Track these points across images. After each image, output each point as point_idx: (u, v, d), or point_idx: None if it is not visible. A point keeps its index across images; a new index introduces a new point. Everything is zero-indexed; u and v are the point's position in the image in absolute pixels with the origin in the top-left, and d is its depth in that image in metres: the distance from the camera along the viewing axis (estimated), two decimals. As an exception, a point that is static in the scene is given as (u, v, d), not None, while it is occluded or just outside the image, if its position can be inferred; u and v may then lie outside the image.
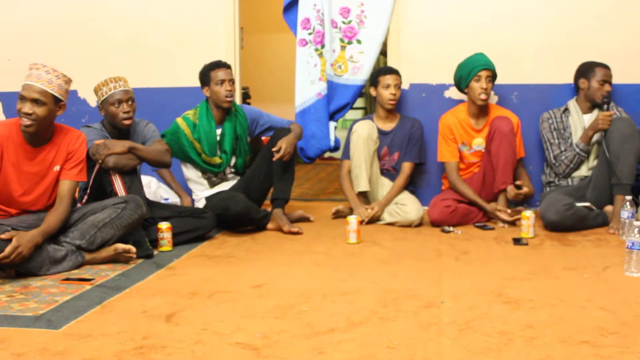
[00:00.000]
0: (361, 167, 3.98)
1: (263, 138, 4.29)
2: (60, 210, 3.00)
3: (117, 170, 3.29)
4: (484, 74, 3.87)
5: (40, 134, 2.97)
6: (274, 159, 3.78)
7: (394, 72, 4.13)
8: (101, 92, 3.38)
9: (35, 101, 2.86)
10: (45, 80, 2.88)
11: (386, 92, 4.06)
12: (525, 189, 3.87)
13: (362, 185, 4.00)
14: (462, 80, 3.96)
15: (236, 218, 3.72)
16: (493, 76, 3.93)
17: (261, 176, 3.94)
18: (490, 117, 3.99)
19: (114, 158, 3.26)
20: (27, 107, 2.86)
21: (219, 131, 3.92)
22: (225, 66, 3.90)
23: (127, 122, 3.38)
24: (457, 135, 4.03)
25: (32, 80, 2.87)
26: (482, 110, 3.98)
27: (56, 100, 2.93)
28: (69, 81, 3.00)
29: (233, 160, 4.00)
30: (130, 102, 3.39)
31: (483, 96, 3.88)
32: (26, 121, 2.87)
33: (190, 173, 4.00)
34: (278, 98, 7.60)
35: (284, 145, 3.78)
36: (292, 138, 3.86)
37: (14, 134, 2.95)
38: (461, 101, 4.15)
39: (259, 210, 3.81)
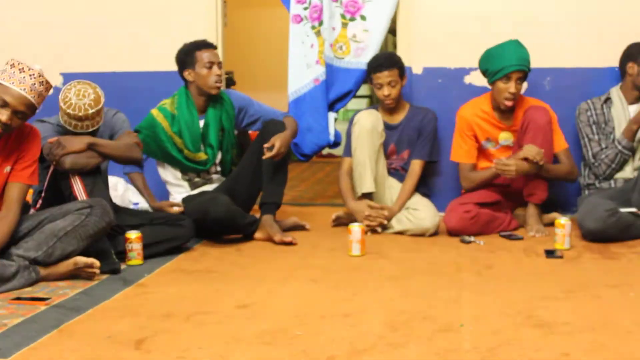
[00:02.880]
0: (365, 165, 3.98)
1: (251, 132, 4.27)
2: (9, 219, 2.99)
3: (76, 171, 3.30)
4: (515, 75, 3.84)
5: None
6: (264, 157, 3.78)
7: (386, 67, 4.04)
8: (62, 110, 3.29)
9: (17, 112, 2.89)
10: (33, 91, 2.90)
11: (379, 93, 4.07)
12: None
13: (367, 186, 3.99)
14: (488, 74, 3.95)
15: (217, 224, 3.71)
16: (526, 74, 3.91)
17: (249, 177, 3.94)
18: (519, 110, 3.99)
19: (70, 158, 3.25)
20: (6, 116, 2.87)
21: (201, 122, 3.91)
22: (213, 47, 3.93)
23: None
24: (479, 131, 4.04)
25: (20, 86, 2.88)
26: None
27: (33, 110, 2.97)
28: (49, 88, 3.00)
29: (219, 157, 3.98)
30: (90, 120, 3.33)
31: (509, 103, 3.89)
32: None
33: (168, 175, 4.01)
34: (268, 84, 7.61)
35: (277, 143, 3.77)
36: (288, 135, 3.87)
37: None
38: (485, 89, 4.15)
39: (245, 216, 3.81)
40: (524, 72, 3.88)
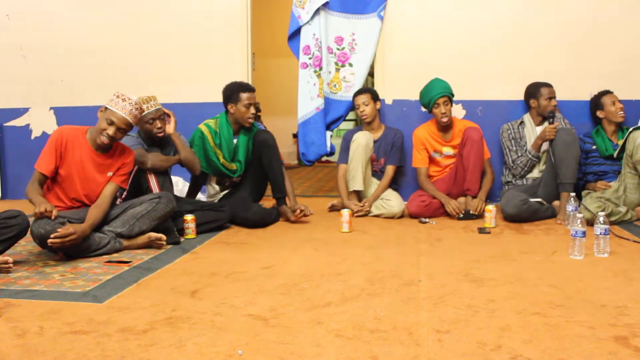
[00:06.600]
0: (358, 170, 3.97)
1: None
2: (103, 207, 2.99)
3: (153, 171, 3.33)
4: (441, 100, 3.84)
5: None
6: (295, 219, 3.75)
7: (360, 92, 4.12)
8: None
9: (119, 129, 2.93)
10: (131, 115, 2.94)
11: (358, 111, 4.12)
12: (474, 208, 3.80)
13: (358, 185, 3.98)
14: (426, 106, 3.97)
15: (254, 225, 3.67)
16: (450, 97, 3.89)
17: (256, 176, 3.87)
18: (455, 129, 3.98)
19: (152, 161, 3.31)
20: (112, 131, 2.92)
21: (235, 141, 3.84)
22: (253, 90, 3.75)
23: (160, 134, 3.41)
24: (428, 145, 4.02)
25: (122, 111, 2.92)
26: (447, 125, 3.97)
27: (131, 127, 3.02)
28: (142, 112, 3.09)
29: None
30: (162, 118, 3.40)
31: (444, 119, 3.88)
32: (106, 140, 2.93)
33: (210, 189, 3.96)
34: (284, 111, 7.58)
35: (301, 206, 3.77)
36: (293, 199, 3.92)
37: (80, 138, 2.98)
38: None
39: (271, 215, 3.76)
40: (447, 96, 3.86)
